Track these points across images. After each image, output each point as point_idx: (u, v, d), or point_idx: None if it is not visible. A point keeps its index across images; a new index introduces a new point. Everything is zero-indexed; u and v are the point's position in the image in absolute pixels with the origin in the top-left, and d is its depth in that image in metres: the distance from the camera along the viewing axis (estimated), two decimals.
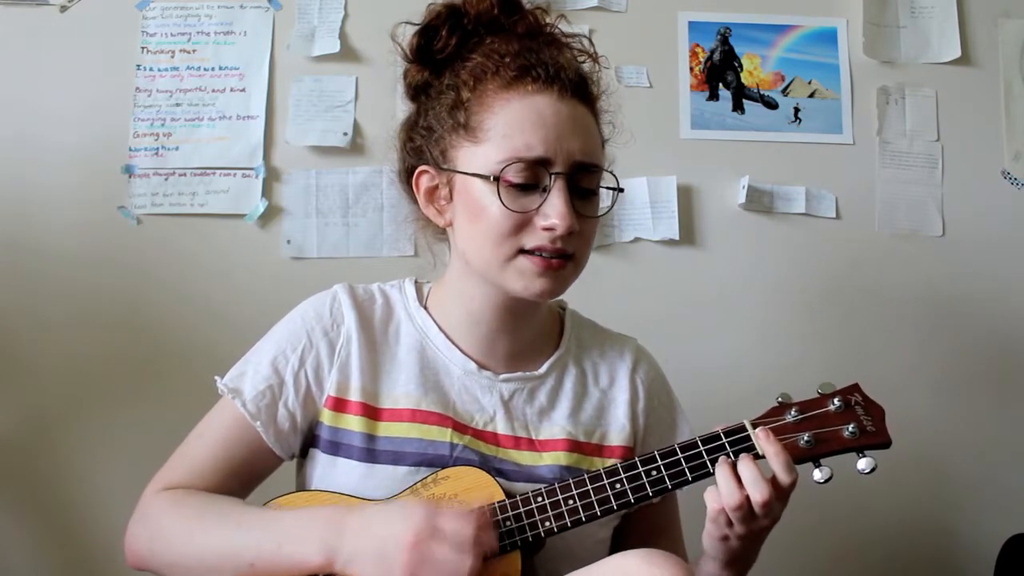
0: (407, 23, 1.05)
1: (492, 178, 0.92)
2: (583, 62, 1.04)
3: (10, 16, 1.67)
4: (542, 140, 0.92)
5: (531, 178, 0.93)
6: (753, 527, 0.88)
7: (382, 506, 0.90)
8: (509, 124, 0.93)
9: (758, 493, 0.85)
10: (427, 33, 1.02)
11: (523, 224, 0.93)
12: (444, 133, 0.98)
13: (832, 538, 1.70)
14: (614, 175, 1.00)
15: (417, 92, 1.05)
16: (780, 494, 0.87)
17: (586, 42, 1.06)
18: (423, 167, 1.01)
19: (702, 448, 0.92)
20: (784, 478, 0.87)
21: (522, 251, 0.94)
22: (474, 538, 0.85)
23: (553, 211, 0.92)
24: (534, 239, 0.93)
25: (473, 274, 1.00)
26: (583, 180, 0.95)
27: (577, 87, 0.97)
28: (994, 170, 1.79)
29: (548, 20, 1.04)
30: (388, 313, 1.05)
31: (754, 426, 0.92)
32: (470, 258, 0.99)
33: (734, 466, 0.88)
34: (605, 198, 1.00)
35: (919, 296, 1.75)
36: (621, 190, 1.01)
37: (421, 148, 1.02)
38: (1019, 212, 1.78)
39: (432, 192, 1.01)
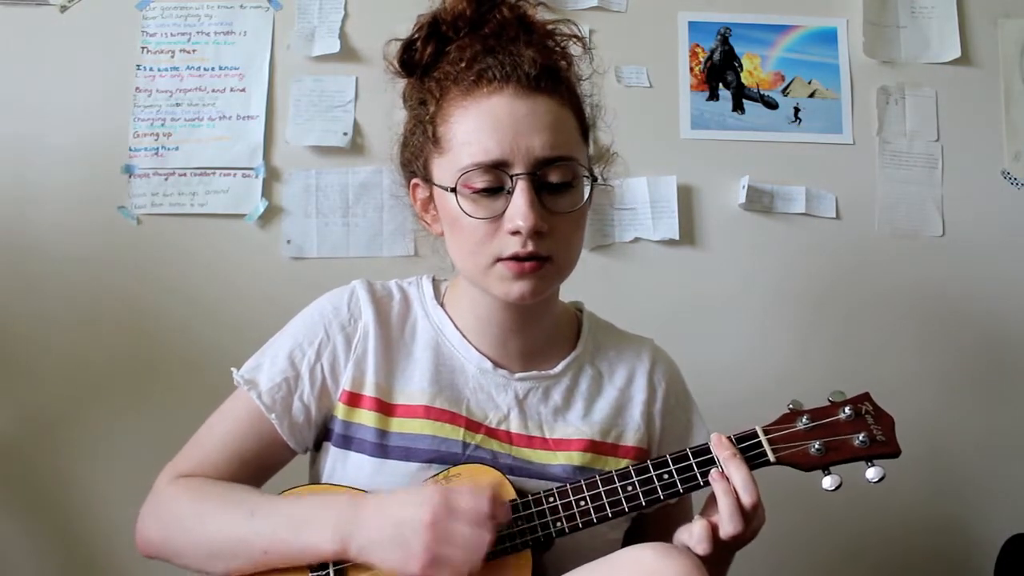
0: (395, 40, 1.04)
1: (450, 189, 0.92)
2: (566, 46, 1.02)
3: (10, 16, 1.67)
4: (497, 142, 0.91)
5: (494, 182, 0.92)
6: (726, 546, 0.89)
7: (396, 492, 0.90)
8: (467, 131, 0.93)
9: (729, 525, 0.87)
10: (408, 46, 1.02)
11: (494, 230, 0.92)
12: (421, 147, 0.99)
13: (832, 537, 1.70)
14: (587, 167, 0.97)
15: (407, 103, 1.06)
16: (746, 520, 0.88)
17: (572, 26, 1.03)
18: (415, 180, 1.02)
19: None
20: (737, 525, 0.87)
21: (499, 259, 0.93)
22: (490, 511, 0.86)
23: (516, 212, 0.90)
24: (508, 246, 0.92)
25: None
26: (552, 175, 0.93)
27: (538, 79, 0.94)
28: (994, 170, 1.79)
29: (525, 11, 1.01)
30: (405, 310, 1.05)
31: (766, 432, 0.93)
32: (458, 267, 1.00)
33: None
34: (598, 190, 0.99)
35: (919, 296, 1.75)
36: (595, 179, 0.98)
37: (410, 161, 1.02)
38: (1019, 212, 1.78)
39: (425, 204, 1.02)
